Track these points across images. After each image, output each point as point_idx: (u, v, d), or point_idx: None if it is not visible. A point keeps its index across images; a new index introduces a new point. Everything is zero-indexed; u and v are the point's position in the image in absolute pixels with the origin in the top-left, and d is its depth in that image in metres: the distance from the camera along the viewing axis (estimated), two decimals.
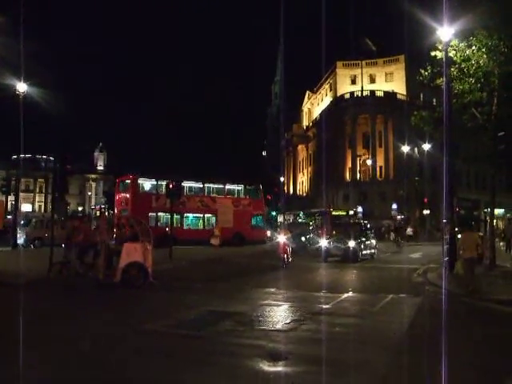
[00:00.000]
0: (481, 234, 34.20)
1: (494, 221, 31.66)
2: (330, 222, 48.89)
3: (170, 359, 9.31)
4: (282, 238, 29.08)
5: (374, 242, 36.69)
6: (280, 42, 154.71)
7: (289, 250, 28.54)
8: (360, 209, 70.30)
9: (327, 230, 41.29)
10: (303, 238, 42.02)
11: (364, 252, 33.61)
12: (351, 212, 63.26)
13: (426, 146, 61.82)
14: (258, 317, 13.26)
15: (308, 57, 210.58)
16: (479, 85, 25.02)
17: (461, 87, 25.08)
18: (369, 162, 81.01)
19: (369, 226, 40.81)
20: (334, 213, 59.51)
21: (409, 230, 62.33)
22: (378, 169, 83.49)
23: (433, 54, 25.53)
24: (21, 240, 39.58)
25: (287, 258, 28.08)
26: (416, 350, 10.04)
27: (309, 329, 11.96)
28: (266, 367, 8.78)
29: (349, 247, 32.07)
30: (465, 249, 18.55)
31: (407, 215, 70.02)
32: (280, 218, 73.99)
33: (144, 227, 20.32)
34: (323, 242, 34.35)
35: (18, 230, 40.44)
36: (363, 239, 34.19)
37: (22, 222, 43.36)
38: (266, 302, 15.94)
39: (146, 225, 21.90)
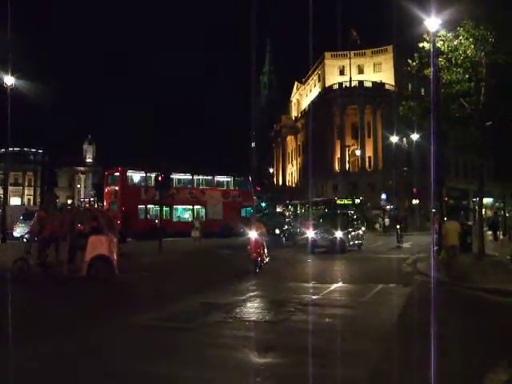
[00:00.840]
0: (469, 223, 34.47)
1: (483, 210, 31.78)
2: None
3: (158, 352, 9.32)
4: (253, 234, 22.24)
5: (361, 232, 36.14)
6: (268, 33, 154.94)
7: (264, 249, 22.27)
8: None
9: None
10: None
11: (351, 243, 32.92)
12: (357, 201, 62.42)
13: (415, 136, 61.98)
14: (247, 308, 13.30)
15: (296, 47, 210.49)
16: (467, 75, 25.10)
17: (448, 77, 25.16)
18: (358, 153, 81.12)
19: (355, 216, 40.37)
20: (338, 202, 59.47)
21: (386, 221, 63.23)
22: (366, 159, 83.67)
23: (420, 44, 25.59)
24: (18, 233, 39.71)
25: (261, 259, 21.88)
26: (406, 339, 10.13)
27: (299, 319, 11.99)
28: (256, 359, 8.81)
29: (336, 238, 31.23)
30: (447, 237, 19.37)
31: (396, 205, 70.11)
32: (279, 209, 74.09)
33: (109, 220, 19.90)
34: (310, 233, 33.35)
35: (19, 224, 40.67)
36: (350, 230, 33.54)
37: (22, 217, 43.31)
38: (255, 293, 15.98)
39: (111, 217, 21.56)
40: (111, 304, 14.27)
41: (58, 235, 18.70)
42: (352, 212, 43.93)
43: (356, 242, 34.06)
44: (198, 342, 9.91)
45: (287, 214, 57.17)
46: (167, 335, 10.57)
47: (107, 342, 9.87)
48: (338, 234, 31.44)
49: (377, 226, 64.54)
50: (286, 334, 10.74)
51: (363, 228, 39.20)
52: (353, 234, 33.74)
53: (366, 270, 23.25)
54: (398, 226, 38.81)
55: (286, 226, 41.49)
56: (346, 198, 62.67)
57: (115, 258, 18.44)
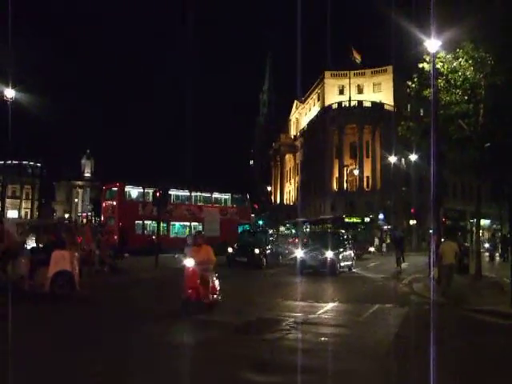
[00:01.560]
0: (467, 244, 34.46)
1: (480, 231, 31.80)
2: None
3: (150, 369, 9.27)
4: (190, 263, 15.41)
5: (351, 252, 34.05)
6: (268, 52, 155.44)
7: (209, 283, 15.17)
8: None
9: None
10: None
11: (342, 264, 30.76)
12: (367, 219, 59.14)
13: (413, 157, 62.00)
14: (243, 326, 13.24)
15: (296, 66, 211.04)
16: (466, 96, 25.21)
17: (448, 98, 25.25)
18: (356, 172, 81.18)
19: (346, 236, 37.08)
20: (346, 220, 56.99)
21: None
22: (364, 179, 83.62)
23: (420, 65, 25.71)
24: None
25: (202, 296, 14.88)
26: (402, 359, 10.10)
27: (295, 338, 11.94)
28: (253, 377, 8.75)
29: (327, 258, 29.00)
30: (444, 256, 19.90)
31: (394, 225, 70.04)
32: (282, 228, 73.36)
33: (71, 235, 19.48)
34: (299, 253, 31.50)
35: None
36: (342, 250, 31.39)
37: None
38: (254, 310, 15.90)
39: (74, 233, 21.04)
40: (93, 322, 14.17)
41: (17, 249, 18.20)
42: (343, 231, 42.00)
43: (346, 263, 31.98)
44: (195, 360, 9.86)
45: (273, 231, 55.50)
46: (154, 351, 10.52)
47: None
48: (329, 254, 29.26)
49: (372, 247, 58.83)
50: (282, 352, 10.69)
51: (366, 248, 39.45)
52: (344, 254, 31.63)
53: (361, 291, 23.16)
54: (397, 247, 36.66)
55: (269, 246, 35.51)
56: (354, 217, 59.81)
57: (77, 273, 17.75)
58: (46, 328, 12.40)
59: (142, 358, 9.67)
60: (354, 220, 57.64)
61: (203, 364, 9.59)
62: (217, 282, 15.56)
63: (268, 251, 34.30)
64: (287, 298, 19.20)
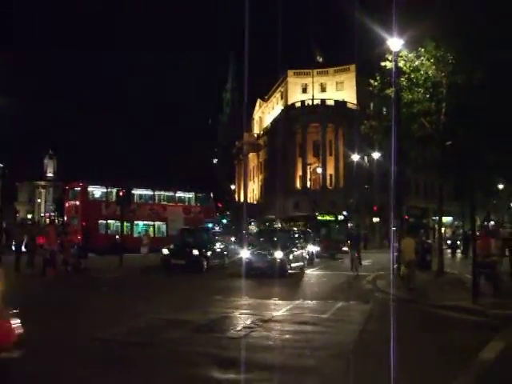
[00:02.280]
0: (429, 241, 34.86)
1: (442, 229, 32.18)
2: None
3: (121, 368, 9.22)
4: None
5: (304, 252, 31.70)
6: (231, 50, 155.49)
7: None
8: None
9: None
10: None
11: (293, 264, 28.25)
12: (341, 217, 55.39)
13: (376, 155, 62.49)
14: (209, 324, 13.23)
15: (259, 65, 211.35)
16: (428, 95, 25.46)
17: (410, 97, 25.48)
18: (319, 171, 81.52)
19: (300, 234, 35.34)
20: (319, 218, 53.54)
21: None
22: (328, 177, 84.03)
23: (383, 64, 25.88)
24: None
25: None
26: (366, 355, 10.17)
27: (260, 336, 11.95)
28: (217, 375, 8.76)
29: (275, 259, 26.47)
30: (405, 253, 21.21)
31: (356, 223, 70.52)
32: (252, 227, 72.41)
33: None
34: (244, 253, 28.76)
35: None
36: (294, 249, 29.15)
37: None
38: (216, 309, 15.89)
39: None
40: None
41: None
42: (296, 229, 42.36)
43: (298, 263, 29.25)
44: (159, 358, 9.83)
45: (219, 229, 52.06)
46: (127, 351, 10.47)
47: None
48: (278, 254, 26.75)
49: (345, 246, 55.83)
50: (247, 349, 10.69)
51: (309, 248, 36.08)
52: (295, 254, 29.04)
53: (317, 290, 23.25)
54: (351, 247, 32.04)
55: (217, 246, 32.55)
56: (328, 214, 55.77)
57: None
58: None
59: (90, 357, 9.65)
60: (328, 218, 54.19)
61: (167, 363, 9.57)
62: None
63: (210, 252, 30.12)
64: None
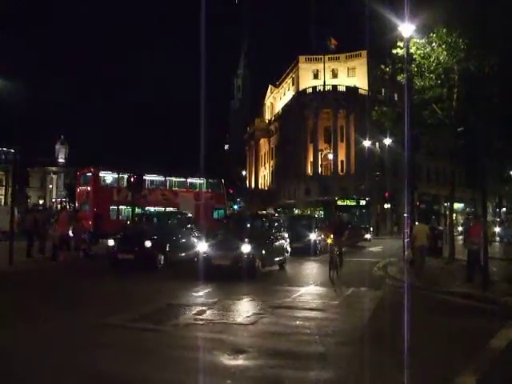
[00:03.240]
0: (440, 228, 34.78)
1: (454, 215, 32.09)
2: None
3: (129, 353, 9.30)
4: None
5: (284, 243, 24.77)
6: (244, 36, 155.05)
7: None
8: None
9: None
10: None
11: (271, 260, 22.37)
12: (363, 202, 49.66)
13: (387, 141, 62.17)
14: (219, 310, 13.29)
15: (271, 51, 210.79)
16: (439, 81, 25.35)
17: (421, 83, 25.41)
18: (330, 157, 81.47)
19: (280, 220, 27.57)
20: (339, 202, 47.94)
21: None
22: (339, 163, 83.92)
23: (394, 51, 25.79)
24: None
25: None
26: (377, 342, 10.19)
27: (269, 322, 12.01)
28: (227, 361, 8.80)
29: (242, 254, 20.07)
30: (416, 239, 21.13)
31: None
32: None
33: None
34: (201, 246, 21.79)
35: None
36: (268, 241, 22.61)
37: None
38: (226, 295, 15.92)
39: None
40: None
41: None
42: (276, 215, 36.23)
43: (276, 258, 23.20)
44: (169, 344, 9.91)
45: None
46: (139, 335, 10.55)
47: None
48: (245, 247, 20.12)
49: (368, 234, 47.59)
50: (256, 336, 10.75)
51: (311, 236, 32.19)
52: (271, 247, 22.65)
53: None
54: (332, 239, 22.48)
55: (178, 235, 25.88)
56: (349, 199, 50.89)
57: None
58: None
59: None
60: (348, 203, 49.02)
61: (178, 349, 9.65)
62: None
63: (170, 244, 24.13)
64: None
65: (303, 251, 29.56)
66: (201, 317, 12.33)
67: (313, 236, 31.95)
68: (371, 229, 43.60)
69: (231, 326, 11.55)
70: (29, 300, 14.58)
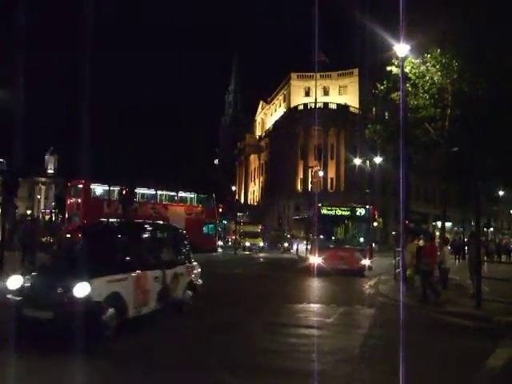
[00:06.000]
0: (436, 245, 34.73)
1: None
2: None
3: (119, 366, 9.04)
4: None
5: (191, 271, 15.08)
6: (235, 52, 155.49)
7: None
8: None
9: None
10: None
11: (147, 301, 12.54)
12: (361, 211, 32.41)
13: (378, 159, 62.47)
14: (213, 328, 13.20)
15: (263, 67, 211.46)
16: (433, 101, 25.59)
17: (415, 102, 25.64)
18: (320, 174, 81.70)
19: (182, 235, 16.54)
20: (324, 211, 32.09)
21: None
22: (329, 180, 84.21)
23: (388, 68, 26.01)
24: None
25: None
26: (375, 360, 10.19)
27: (265, 339, 11.99)
28: (226, 378, 8.76)
29: (74, 300, 10.44)
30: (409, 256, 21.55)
31: None
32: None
33: None
34: (12, 282, 11.27)
35: None
36: (144, 270, 12.53)
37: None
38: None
39: None
40: None
41: None
42: (161, 223, 23.72)
43: (164, 298, 13.32)
44: (161, 361, 9.80)
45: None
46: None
47: None
48: (82, 288, 10.48)
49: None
50: (253, 354, 10.72)
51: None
52: (157, 278, 13.03)
53: None
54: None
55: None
56: (339, 207, 33.30)
57: None
58: None
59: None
60: (339, 212, 32.47)
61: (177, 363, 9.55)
62: None
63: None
64: None
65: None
66: None
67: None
68: (372, 249, 32.96)
69: None
70: None
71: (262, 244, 68.86)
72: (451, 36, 23.45)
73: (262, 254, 58.77)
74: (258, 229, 72.44)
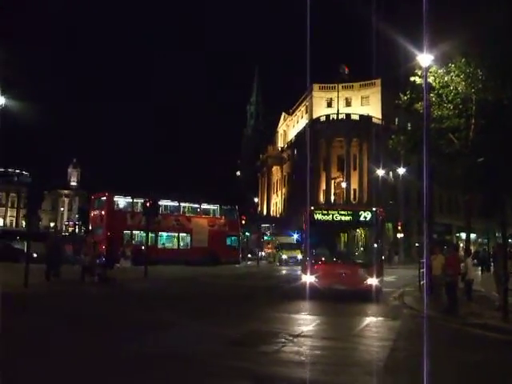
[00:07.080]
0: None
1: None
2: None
3: (149, 380, 9.17)
4: None
5: None
6: (256, 64, 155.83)
7: None
8: None
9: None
10: None
11: None
12: (366, 214, 24.27)
13: (401, 170, 62.18)
14: (241, 338, 13.16)
15: (285, 78, 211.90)
16: (457, 111, 25.38)
17: (439, 113, 25.43)
18: (343, 185, 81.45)
19: None
20: (317, 216, 24.42)
21: None
22: (351, 191, 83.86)
23: (412, 78, 25.86)
24: None
25: None
26: (400, 373, 10.09)
27: (291, 351, 11.88)
28: None
29: None
30: (434, 269, 21.04)
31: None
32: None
33: None
34: None
35: None
36: None
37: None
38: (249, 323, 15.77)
39: None
40: None
41: None
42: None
43: None
44: (192, 372, 9.80)
45: None
46: (160, 363, 10.36)
47: None
48: None
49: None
50: (279, 365, 10.64)
51: None
52: None
53: None
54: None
55: None
56: (337, 210, 25.29)
57: None
58: None
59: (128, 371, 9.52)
60: (337, 217, 24.47)
61: (201, 377, 9.52)
62: None
63: None
64: None
65: None
66: None
67: None
68: (382, 264, 25.59)
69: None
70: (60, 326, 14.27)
71: (300, 256, 61.67)
72: (475, 45, 23.28)
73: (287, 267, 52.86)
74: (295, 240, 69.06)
